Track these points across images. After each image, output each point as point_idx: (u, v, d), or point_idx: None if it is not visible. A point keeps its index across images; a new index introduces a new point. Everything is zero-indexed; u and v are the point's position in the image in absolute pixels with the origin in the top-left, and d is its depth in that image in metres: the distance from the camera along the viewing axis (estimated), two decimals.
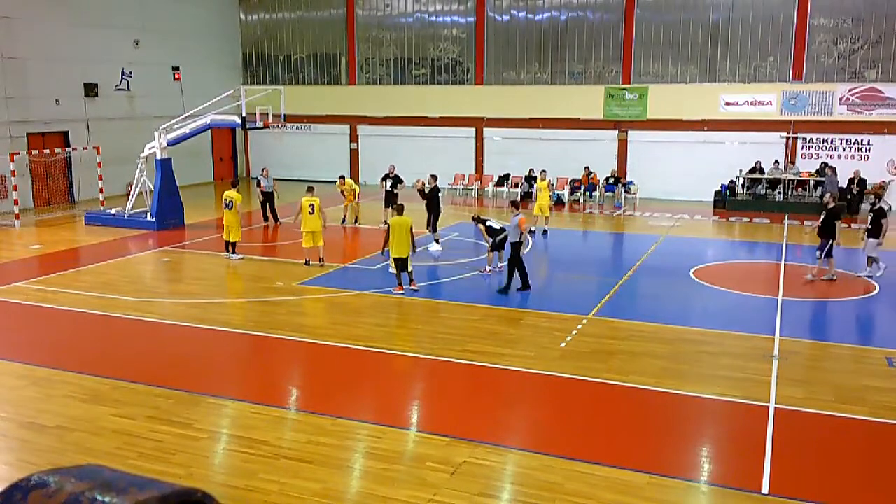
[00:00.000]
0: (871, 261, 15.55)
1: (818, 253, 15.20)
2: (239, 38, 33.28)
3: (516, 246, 14.15)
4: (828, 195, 16.27)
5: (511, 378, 10.05)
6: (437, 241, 18.04)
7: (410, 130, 30.30)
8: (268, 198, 21.74)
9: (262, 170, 22.20)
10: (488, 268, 15.76)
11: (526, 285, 14.21)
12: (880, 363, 10.63)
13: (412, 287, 14.21)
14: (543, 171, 21.01)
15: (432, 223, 18.25)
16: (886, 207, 15.84)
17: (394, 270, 14.45)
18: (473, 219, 16.28)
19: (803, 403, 9.15)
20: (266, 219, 21.87)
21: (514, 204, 14.82)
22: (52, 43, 24.55)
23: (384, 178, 21.53)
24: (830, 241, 14.93)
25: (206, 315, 12.89)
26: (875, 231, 15.25)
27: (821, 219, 15.39)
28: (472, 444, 7.98)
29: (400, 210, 14.47)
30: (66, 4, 25.12)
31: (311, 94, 31.82)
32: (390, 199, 20.96)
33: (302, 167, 30.81)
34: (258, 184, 22.05)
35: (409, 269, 14.30)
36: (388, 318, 12.80)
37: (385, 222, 20.90)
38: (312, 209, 15.93)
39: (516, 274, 14.22)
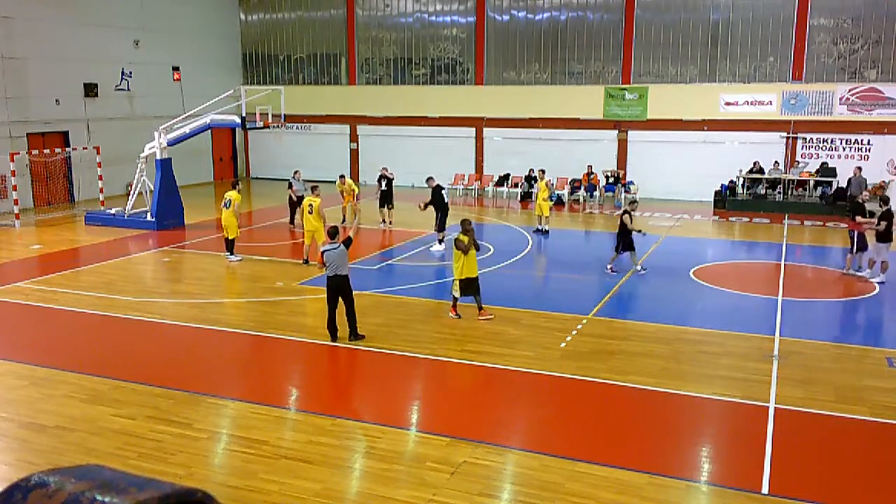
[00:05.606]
0: (873, 263, 15.47)
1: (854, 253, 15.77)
2: (239, 38, 33.27)
3: (341, 280, 11.07)
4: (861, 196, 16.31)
5: (511, 378, 10.05)
6: (440, 241, 18.06)
7: (410, 130, 30.29)
8: (300, 202, 21.08)
9: (294, 172, 21.17)
10: (609, 266, 16.07)
11: (353, 333, 11.31)
12: (880, 363, 10.64)
13: (482, 316, 12.42)
14: (542, 170, 21.02)
15: (439, 222, 18.15)
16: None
17: (457, 293, 12.54)
18: (627, 211, 15.95)
19: (803, 403, 9.15)
20: (293, 223, 20.93)
21: (332, 233, 11.28)
22: (52, 43, 24.55)
23: (380, 179, 21.52)
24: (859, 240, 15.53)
25: (206, 315, 12.90)
26: (888, 235, 14.85)
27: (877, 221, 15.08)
28: (472, 444, 7.98)
29: (465, 228, 12.33)
30: (66, 4, 25.12)
31: (310, 94, 31.81)
32: (385, 200, 21.05)
33: (302, 167, 30.63)
34: (290, 186, 21.02)
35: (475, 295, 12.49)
36: (388, 318, 12.78)
37: (384, 221, 21.00)
38: (311, 209, 16.03)
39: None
